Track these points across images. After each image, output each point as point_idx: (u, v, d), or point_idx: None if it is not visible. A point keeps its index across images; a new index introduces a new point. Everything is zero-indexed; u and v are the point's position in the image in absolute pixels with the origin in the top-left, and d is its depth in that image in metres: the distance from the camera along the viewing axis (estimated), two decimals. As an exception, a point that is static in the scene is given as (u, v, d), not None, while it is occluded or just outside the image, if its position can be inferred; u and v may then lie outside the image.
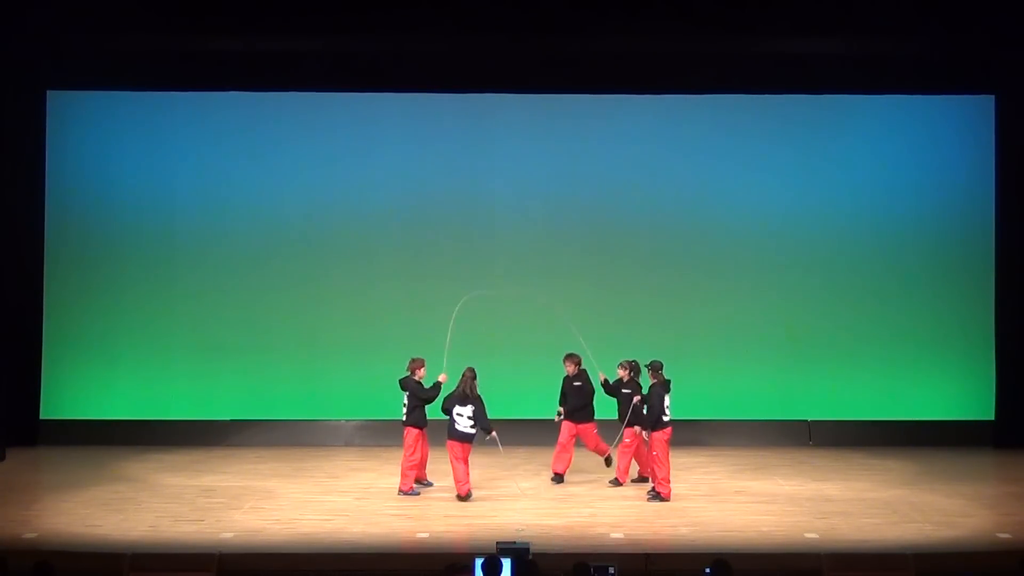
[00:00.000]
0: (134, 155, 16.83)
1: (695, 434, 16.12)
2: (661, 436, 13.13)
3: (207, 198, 16.84)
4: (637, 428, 13.48)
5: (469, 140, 16.93)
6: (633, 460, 13.91)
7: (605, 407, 14.14)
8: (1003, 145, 16.73)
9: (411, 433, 13.33)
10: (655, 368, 13.36)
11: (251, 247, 16.86)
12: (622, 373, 13.85)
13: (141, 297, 16.78)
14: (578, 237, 16.87)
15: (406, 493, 13.20)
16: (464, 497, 12.94)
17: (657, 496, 13.04)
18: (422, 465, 13.48)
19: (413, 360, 13.50)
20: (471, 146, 16.93)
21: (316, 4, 15.18)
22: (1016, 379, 16.56)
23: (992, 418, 16.70)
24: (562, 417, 14.04)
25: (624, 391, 13.76)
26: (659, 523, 12.08)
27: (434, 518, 12.16)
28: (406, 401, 13.37)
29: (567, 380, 14.11)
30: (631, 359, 13.85)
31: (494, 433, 12.98)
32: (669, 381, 13.31)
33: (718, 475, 14.58)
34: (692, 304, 16.85)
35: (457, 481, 13.01)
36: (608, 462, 14.14)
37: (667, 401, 13.20)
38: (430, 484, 13.54)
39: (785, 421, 16.90)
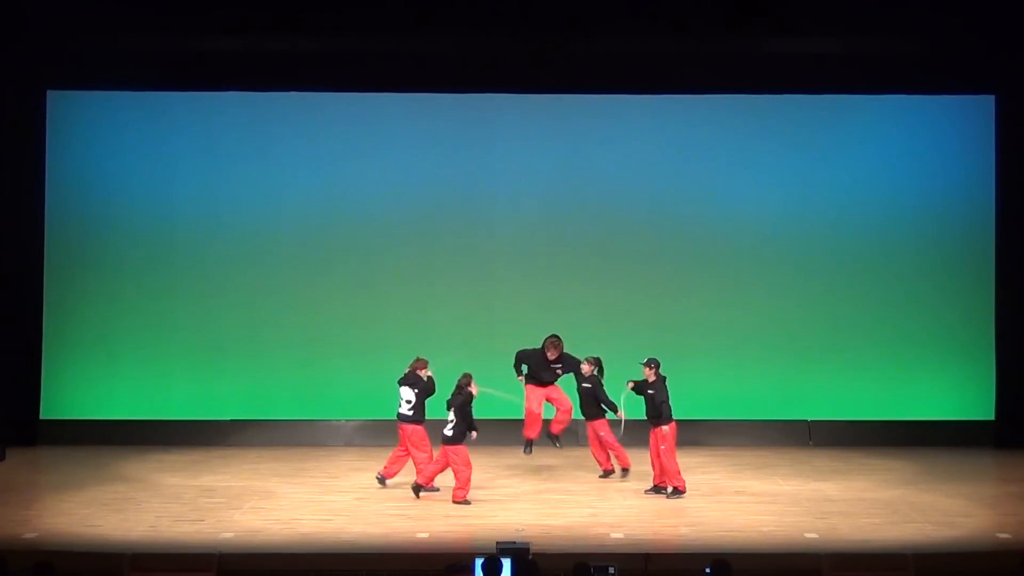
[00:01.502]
0: (134, 155, 16.81)
1: (695, 434, 16.09)
2: (671, 431, 13.15)
3: (207, 198, 16.83)
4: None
5: (469, 140, 16.91)
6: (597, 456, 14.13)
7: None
8: (1003, 145, 16.71)
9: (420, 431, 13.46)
10: (658, 365, 13.34)
11: (251, 247, 16.85)
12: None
13: (141, 297, 16.76)
14: (578, 237, 16.85)
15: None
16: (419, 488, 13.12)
17: (676, 491, 13.09)
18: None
19: (418, 360, 13.52)
20: (471, 146, 16.91)
21: (316, 4, 15.18)
22: (1016, 379, 16.54)
23: (992, 418, 16.67)
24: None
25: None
26: (659, 523, 12.09)
27: (434, 518, 12.16)
28: (413, 399, 13.33)
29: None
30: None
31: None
32: (665, 378, 13.36)
33: (718, 475, 14.57)
34: (692, 304, 16.83)
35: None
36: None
37: None
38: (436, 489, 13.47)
39: (785, 421, 16.89)
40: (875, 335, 16.82)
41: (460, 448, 12.91)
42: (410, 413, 13.27)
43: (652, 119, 16.94)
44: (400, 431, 13.49)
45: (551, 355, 14.07)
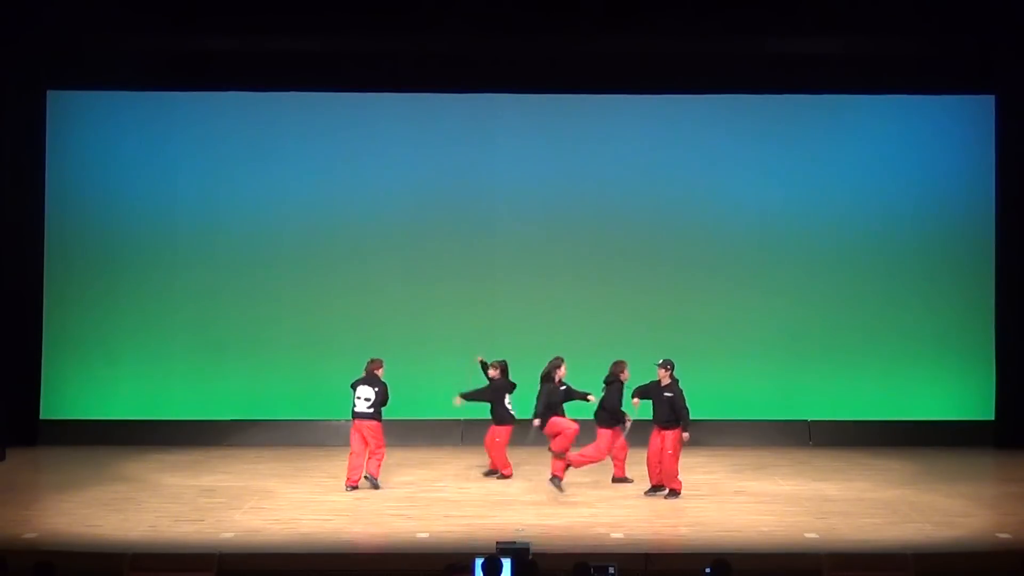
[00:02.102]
0: (134, 155, 16.83)
1: (695, 434, 15.84)
2: (682, 436, 13.15)
3: (207, 198, 16.85)
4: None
5: (469, 140, 16.92)
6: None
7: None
8: (1003, 145, 16.72)
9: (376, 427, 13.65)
10: (673, 366, 13.26)
11: (251, 247, 16.86)
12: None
13: (141, 297, 16.78)
14: (579, 237, 16.87)
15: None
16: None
17: (672, 492, 13.10)
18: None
19: (373, 360, 13.75)
20: (471, 146, 16.92)
21: (316, 4, 15.19)
22: (1016, 379, 16.55)
23: (992, 418, 16.69)
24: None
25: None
26: (659, 523, 12.09)
27: (434, 518, 12.15)
28: (372, 397, 13.47)
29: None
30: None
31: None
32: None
33: (718, 475, 14.58)
34: (693, 304, 16.85)
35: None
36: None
37: None
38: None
39: (785, 421, 16.90)
40: (875, 335, 16.83)
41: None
42: (370, 411, 13.50)
43: (652, 119, 16.95)
44: (354, 429, 13.56)
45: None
